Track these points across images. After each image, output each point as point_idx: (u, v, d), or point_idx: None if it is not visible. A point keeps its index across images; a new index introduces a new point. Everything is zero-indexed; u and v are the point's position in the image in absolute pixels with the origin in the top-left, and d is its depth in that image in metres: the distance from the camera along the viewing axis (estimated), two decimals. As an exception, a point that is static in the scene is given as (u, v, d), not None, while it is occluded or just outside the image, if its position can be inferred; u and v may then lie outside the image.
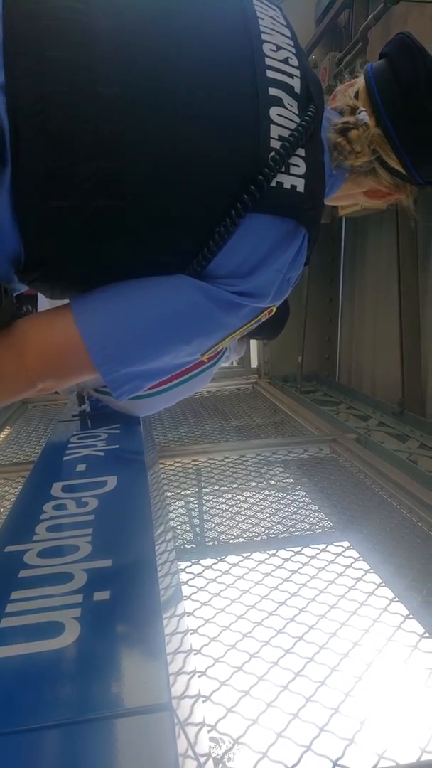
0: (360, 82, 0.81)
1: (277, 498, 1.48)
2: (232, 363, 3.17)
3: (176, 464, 1.69)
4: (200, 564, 1.08)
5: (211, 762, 0.63)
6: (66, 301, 0.73)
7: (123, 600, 0.65)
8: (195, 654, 0.82)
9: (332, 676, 0.80)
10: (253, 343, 3.09)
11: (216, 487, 1.54)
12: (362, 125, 0.77)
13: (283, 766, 0.66)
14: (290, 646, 0.86)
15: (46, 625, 0.60)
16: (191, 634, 0.87)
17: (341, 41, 2.60)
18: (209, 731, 0.69)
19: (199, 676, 0.78)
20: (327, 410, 2.36)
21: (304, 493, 1.54)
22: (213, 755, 0.67)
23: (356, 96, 0.80)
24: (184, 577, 1.04)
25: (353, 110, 0.79)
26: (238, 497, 1.48)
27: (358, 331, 2.82)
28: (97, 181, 0.64)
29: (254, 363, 3.20)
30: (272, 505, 1.43)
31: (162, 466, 1.65)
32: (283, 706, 0.75)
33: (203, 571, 1.06)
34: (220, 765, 0.68)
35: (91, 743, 0.46)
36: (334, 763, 0.66)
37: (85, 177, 0.64)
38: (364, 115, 0.77)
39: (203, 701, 0.73)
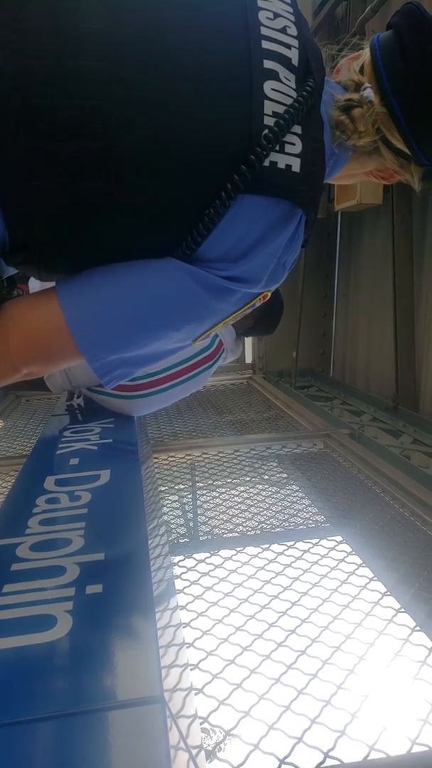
0: (365, 55, 0.76)
1: (270, 492, 1.49)
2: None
3: (170, 459, 1.68)
4: (193, 558, 1.09)
5: (203, 754, 0.63)
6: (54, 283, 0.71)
7: (115, 593, 0.64)
8: (188, 647, 0.83)
9: (324, 669, 0.80)
10: (248, 339, 3.09)
11: (210, 482, 1.54)
12: (367, 103, 0.73)
13: (275, 758, 0.67)
14: (282, 639, 0.86)
15: (38, 618, 0.60)
16: (184, 627, 0.87)
17: (338, 33, 2.59)
18: (201, 723, 0.69)
19: (191, 669, 0.78)
20: (321, 406, 2.37)
21: (297, 488, 1.54)
22: (205, 747, 0.67)
23: (361, 70, 0.76)
24: (177, 570, 1.04)
25: (358, 86, 0.74)
26: (232, 492, 1.48)
27: (352, 327, 2.82)
28: (82, 162, 0.61)
29: (249, 358, 3.20)
30: (266, 500, 1.44)
31: (156, 460, 1.64)
32: (275, 699, 0.75)
33: (196, 564, 1.06)
34: (213, 757, 0.68)
35: (83, 735, 0.46)
36: (326, 755, 0.66)
37: (69, 157, 0.61)
38: (369, 92, 0.73)
39: (195, 694, 0.74)
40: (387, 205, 2.22)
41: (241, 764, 0.66)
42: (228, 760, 0.67)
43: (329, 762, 0.66)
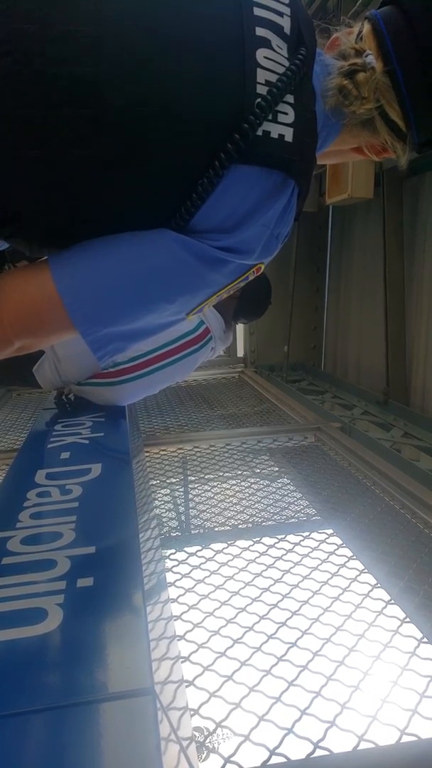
0: (364, 27, 0.74)
1: (261, 486, 1.49)
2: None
3: (161, 452, 1.68)
4: (185, 551, 1.09)
5: (193, 746, 0.63)
6: None
7: (106, 586, 0.65)
8: (179, 639, 0.83)
9: (314, 660, 0.81)
10: (240, 332, 3.09)
11: (201, 475, 1.54)
12: (369, 69, 0.71)
13: (265, 749, 0.67)
14: (273, 631, 0.87)
15: (28, 611, 0.60)
16: (175, 619, 0.87)
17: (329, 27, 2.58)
18: (192, 715, 0.69)
19: (182, 662, 0.78)
20: (312, 399, 2.37)
21: (288, 481, 1.54)
22: (196, 739, 0.67)
23: (359, 39, 0.74)
24: (168, 563, 1.04)
25: (359, 53, 0.73)
26: (223, 485, 1.48)
27: (343, 321, 2.82)
28: (73, 129, 0.60)
29: (240, 352, 3.20)
30: (257, 493, 1.44)
31: (147, 454, 1.64)
32: (265, 690, 0.75)
33: (187, 558, 1.06)
34: (203, 748, 0.68)
35: (74, 727, 0.46)
36: (316, 745, 0.67)
37: (59, 125, 0.60)
38: (371, 59, 0.71)
39: (186, 686, 0.74)
40: (378, 199, 2.22)
41: (232, 755, 0.67)
42: (219, 751, 0.67)
43: (319, 752, 0.67)
